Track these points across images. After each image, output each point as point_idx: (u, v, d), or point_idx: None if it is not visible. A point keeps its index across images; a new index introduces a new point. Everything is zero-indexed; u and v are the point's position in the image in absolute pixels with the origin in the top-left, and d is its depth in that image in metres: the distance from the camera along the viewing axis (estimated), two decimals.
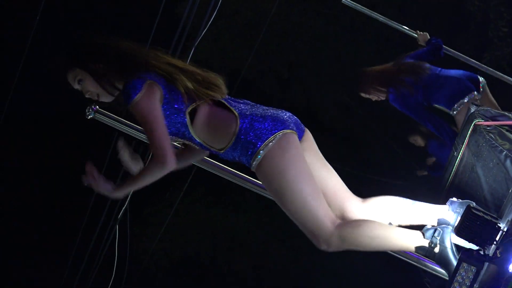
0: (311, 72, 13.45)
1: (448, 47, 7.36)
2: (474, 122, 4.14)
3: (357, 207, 3.71)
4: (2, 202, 13.77)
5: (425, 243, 3.47)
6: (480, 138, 4.02)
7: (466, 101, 6.05)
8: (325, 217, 3.50)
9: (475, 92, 6.10)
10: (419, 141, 7.91)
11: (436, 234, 3.46)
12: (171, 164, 3.42)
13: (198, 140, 3.59)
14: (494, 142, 3.85)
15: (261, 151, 3.52)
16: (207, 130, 3.60)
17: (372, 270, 12.59)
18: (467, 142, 4.17)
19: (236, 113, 3.59)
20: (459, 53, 7.42)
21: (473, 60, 7.51)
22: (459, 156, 4.24)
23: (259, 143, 3.52)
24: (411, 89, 6.23)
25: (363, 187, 14.20)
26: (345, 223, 3.55)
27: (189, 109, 3.59)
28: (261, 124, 3.56)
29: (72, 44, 3.62)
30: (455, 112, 6.09)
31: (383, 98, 6.50)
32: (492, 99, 6.22)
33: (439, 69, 6.34)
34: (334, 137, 13.86)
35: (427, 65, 6.35)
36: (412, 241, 3.52)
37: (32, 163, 13.86)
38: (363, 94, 6.54)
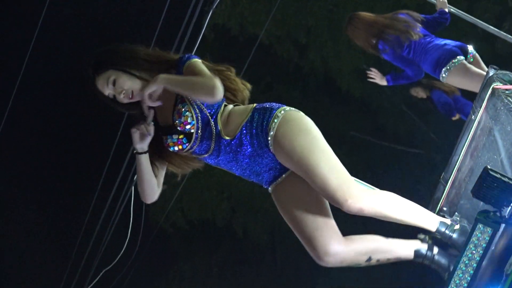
0: (329, 38, 13.39)
1: (468, 14, 7.31)
2: (492, 85, 4.12)
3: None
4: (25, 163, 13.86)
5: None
6: (498, 101, 4.00)
7: (452, 65, 6.02)
8: (351, 178, 3.52)
9: (462, 57, 6.06)
10: (420, 93, 7.84)
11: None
12: (220, 96, 3.42)
13: (219, 125, 3.59)
14: None
15: (279, 114, 3.54)
16: (228, 116, 3.62)
17: None
18: (485, 105, 4.15)
19: (254, 104, 3.65)
20: (479, 20, 7.37)
21: (493, 27, 7.46)
22: (476, 120, 4.23)
23: (275, 109, 3.56)
24: (396, 47, 6.19)
25: (379, 155, 14.21)
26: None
27: (224, 102, 3.67)
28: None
29: (98, 51, 3.61)
30: (444, 76, 6.07)
31: (372, 50, 6.43)
32: (484, 67, 6.16)
33: (433, 36, 6.29)
34: (351, 104, 13.85)
35: (420, 30, 6.26)
36: (432, 220, 3.65)
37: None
38: (355, 40, 6.46)
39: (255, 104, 3.65)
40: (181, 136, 3.59)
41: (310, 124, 3.55)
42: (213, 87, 3.40)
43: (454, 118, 7.66)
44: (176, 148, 3.61)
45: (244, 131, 3.56)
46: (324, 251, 3.56)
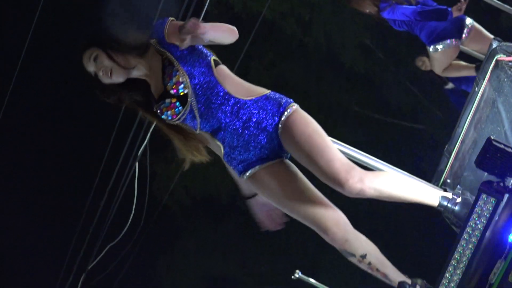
0: (333, 14, 13.35)
1: None
2: (496, 57, 4.13)
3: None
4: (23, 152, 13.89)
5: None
6: (501, 73, 4.02)
7: (446, 44, 6.05)
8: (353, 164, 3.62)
9: (457, 40, 6.10)
10: (426, 62, 7.75)
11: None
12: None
13: (221, 85, 3.61)
14: None
15: (296, 104, 3.66)
16: (231, 80, 3.66)
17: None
18: (488, 77, 4.16)
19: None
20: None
21: (496, 0, 7.40)
22: (480, 91, 4.24)
23: (291, 101, 3.67)
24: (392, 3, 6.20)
25: (383, 130, 14.23)
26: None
27: (213, 57, 3.67)
28: None
29: (91, 31, 3.70)
30: (432, 50, 6.09)
31: (373, 13, 6.41)
32: (487, 35, 6.15)
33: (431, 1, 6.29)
34: (355, 80, 13.82)
35: None
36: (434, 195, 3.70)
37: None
38: (361, 9, 6.45)
39: (270, 90, 3.72)
40: (174, 100, 3.60)
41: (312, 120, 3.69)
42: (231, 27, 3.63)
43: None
44: (169, 113, 3.62)
45: (258, 101, 3.61)
46: (334, 223, 3.63)
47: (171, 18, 3.65)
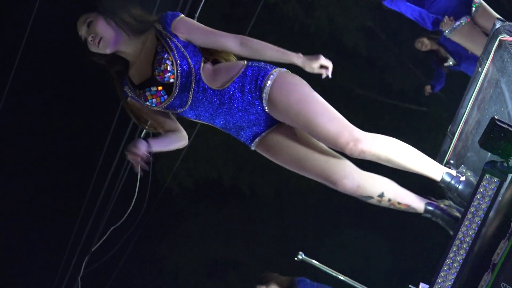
0: None
1: None
2: (499, 37, 4.12)
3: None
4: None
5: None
6: (505, 53, 4.01)
7: (457, 26, 6.02)
8: (352, 125, 3.57)
9: (467, 18, 6.08)
10: (425, 42, 7.67)
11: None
12: (245, 36, 3.67)
13: (204, 81, 3.63)
14: None
15: (274, 72, 3.63)
16: (212, 69, 3.69)
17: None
18: (492, 57, 4.15)
19: (245, 61, 3.72)
20: None
21: None
22: (483, 72, 4.23)
23: (270, 68, 3.65)
24: None
25: (385, 113, 14.22)
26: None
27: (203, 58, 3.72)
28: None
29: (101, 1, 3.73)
30: (448, 32, 6.07)
31: None
32: (493, 14, 6.13)
33: None
34: (357, 62, 13.78)
35: None
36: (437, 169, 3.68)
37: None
38: None
39: (246, 61, 3.69)
40: (159, 88, 3.63)
41: (303, 81, 3.66)
42: (238, 39, 3.69)
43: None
44: (154, 101, 3.63)
45: (236, 85, 3.60)
46: (342, 175, 3.61)
47: (182, 15, 3.67)
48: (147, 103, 3.65)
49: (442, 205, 3.66)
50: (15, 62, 9.46)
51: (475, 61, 4.69)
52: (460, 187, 3.64)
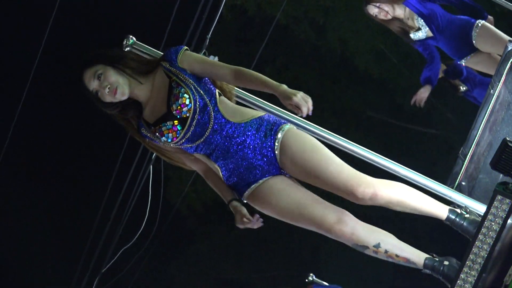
0: (347, 18, 13.36)
1: None
2: (511, 60, 4.13)
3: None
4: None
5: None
6: None
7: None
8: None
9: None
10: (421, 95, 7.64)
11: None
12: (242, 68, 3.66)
13: (221, 113, 3.67)
14: None
15: (288, 125, 3.72)
16: (231, 106, 3.76)
17: None
18: (504, 79, 4.16)
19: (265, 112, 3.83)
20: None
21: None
22: (495, 94, 4.24)
23: (284, 121, 3.74)
24: None
25: (397, 135, 14.19)
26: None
27: (217, 90, 3.78)
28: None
29: (90, 50, 3.76)
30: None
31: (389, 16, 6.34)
32: (502, 36, 6.09)
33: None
34: (368, 84, 13.81)
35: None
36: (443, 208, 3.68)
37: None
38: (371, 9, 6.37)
39: (265, 113, 3.80)
40: (176, 122, 3.65)
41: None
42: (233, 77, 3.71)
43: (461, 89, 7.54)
44: (170, 135, 3.66)
45: (252, 124, 3.66)
46: (337, 220, 3.57)
47: (185, 47, 3.72)
48: (164, 138, 3.67)
49: (443, 261, 3.62)
50: (32, 70, 9.51)
51: (487, 86, 4.68)
52: (465, 223, 3.64)
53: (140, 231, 7.54)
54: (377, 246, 3.60)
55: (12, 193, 13.61)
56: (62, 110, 13.83)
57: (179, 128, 3.64)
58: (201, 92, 3.64)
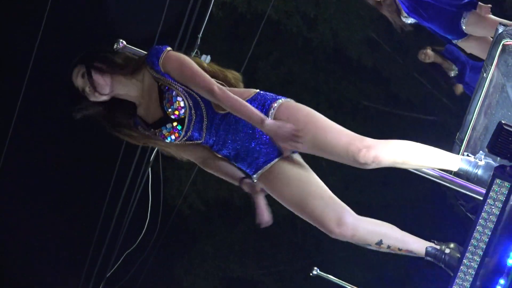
0: (338, 9, 13.34)
1: None
2: (502, 42, 4.13)
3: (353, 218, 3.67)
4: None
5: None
6: (509, 58, 4.02)
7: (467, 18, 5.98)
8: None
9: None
10: (429, 54, 7.56)
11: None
12: (218, 92, 3.51)
13: (212, 105, 3.65)
14: None
15: (283, 98, 3.65)
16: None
17: None
18: (496, 62, 4.15)
19: (257, 90, 3.72)
20: None
21: None
22: (488, 77, 4.22)
23: (279, 97, 3.66)
24: None
25: (393, 123, 14.18)
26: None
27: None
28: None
29: (86, 51, 3.78)
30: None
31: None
32: (493, 18, 6.06)
33: None
34: (363, 74, 13.81)
35: None
36: (454, 160, 3.59)
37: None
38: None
39: (258, 90, 3.72)
40: (175, 124, 3.65)
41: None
42: (212, 94, 3.56)
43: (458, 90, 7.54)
44: (172, 137, 3.66)
45: None
46: (337, 222, 3.56)
47: (169, 48, 3.67)
48: (167, 140, 3.68)
49: (445, 249, 3.59)
50: (27, 70, 9.49)
51: (480, 71, 4.66)
52: (480, 172, 3.56)
53: (142, 234, 7.54)
54: (379, 243, 3.60)
55: (13, 199, 13.59)
56: (59, 114, 13.81)
57: (179, 128, 3.65)
58: (191, 91, 3.62)
